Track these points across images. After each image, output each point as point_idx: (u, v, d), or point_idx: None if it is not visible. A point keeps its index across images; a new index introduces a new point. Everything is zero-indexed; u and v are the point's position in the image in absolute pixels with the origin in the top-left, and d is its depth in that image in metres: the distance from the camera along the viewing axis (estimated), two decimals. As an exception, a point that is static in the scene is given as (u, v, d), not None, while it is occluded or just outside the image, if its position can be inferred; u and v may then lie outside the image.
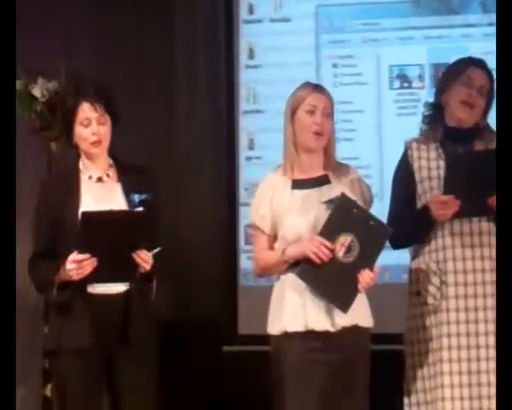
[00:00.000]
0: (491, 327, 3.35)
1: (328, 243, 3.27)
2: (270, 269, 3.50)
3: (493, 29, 4.78)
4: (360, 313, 3.39)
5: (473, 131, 3.47)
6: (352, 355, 3.37)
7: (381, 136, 4.95)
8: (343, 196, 3.30)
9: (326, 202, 3.38)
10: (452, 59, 3.66)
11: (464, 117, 3.46)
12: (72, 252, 3.31)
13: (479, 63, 3.50)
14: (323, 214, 3.34)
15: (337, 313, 3.34)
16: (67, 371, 3.44)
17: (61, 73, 4.58)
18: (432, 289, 3.45)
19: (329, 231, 3.28)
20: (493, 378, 3.31)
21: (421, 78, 4.93)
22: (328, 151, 3.49)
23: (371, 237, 3.29)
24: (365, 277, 3.28)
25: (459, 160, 3.40)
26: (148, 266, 3.37)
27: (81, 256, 3.30)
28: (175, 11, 5.27)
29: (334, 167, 3.49)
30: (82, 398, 3.44)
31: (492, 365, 3.32)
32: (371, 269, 3.29)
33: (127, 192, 3.51)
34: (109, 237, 3.28)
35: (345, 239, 3.30)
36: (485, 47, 4.73)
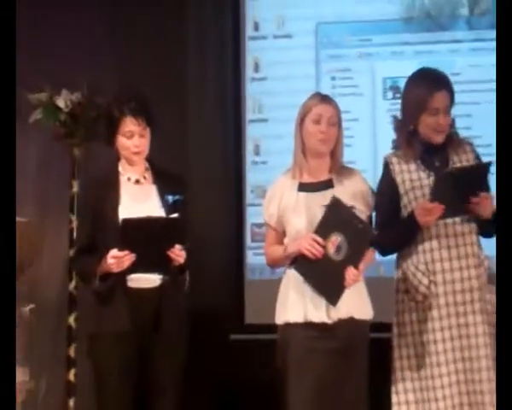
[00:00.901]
0: (479, 318, 3.36)
1: (319, 240, 3.30)
2: (276, 262, 3.55)
3: (478, 44, 4.97)
4: (357, 306, 3.41)
5: (445, 141, 3.47)
6: (350, 344, 3.38)
7: (376, 142, 4.93)
8: (334, 198, 3.33)
9: (326, 206, 3.39)
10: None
11: (436, 139, 3.45)
12: (112, 246, 3.37)
13: (439, 84, 3.44)
14: None
15: (334, 306, 3.37)
16: (105, 352, 3.47)
17: (83, 86, 4.59)
18: (421, 288, 3.42)
19: (322, 230, 3.31)
20: (484, 363, 3.33)
21: (411, 89, 4.92)
22: (334, 156, 3.51)
23: (358, 238, 3.32)
24: (350, 274, 3.31)
25: (446, 176, 3.38)
26: (182, 260, 3.41)
27: (121, 253, 3.35)
28: (188, 30, 5.26)
29: (338, 171, 3.50)
30: (117, 378, 3.46)
31: (483, 351, 3.34)
32: (356, 267, 3.31)
33: (162, 194, 3.55)
34: (146, 239, 3.33)
35: (335, 239, 3.32)
36: (470, 61, 4.84)
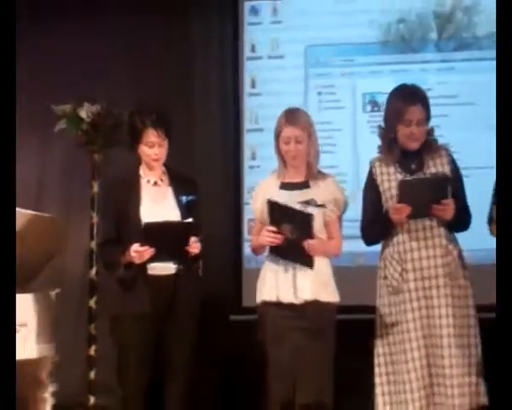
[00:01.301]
0: (443, 301, 3.43)
1: (273, 228, 3.41)
2: (256, 250, 3.65)
3: (445, 64, 4.93)
4: (321, 290, 3.48)
5: (421, 147, 3.53)
6: (317, 324, 3.45)
7: (356, 149, 4.99)
8: (269, 201, 3.44)
9: (301, 203, 3.49)
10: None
11: (412, 146, 3.53)
12: (134, 239, 3.41)
13: (413, 99, 3.50)
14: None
15: (300, 289, 3.45)
16: (127, 331, 3.50)
17: (101, 99, 4.61)
18: (395, 274, 3.51)
19: (275, 223, 3.44)
20: (446, 341, 3.40)
21: (387, 103, 5.01)
22: (309, 164, 3.59)
23: (302, 221, 3.41)
24: (308, 245, 3.39)
25: (407, 183, 3.47)
26: (197, 251, 3.49)
27: (142, 248, 3.40)
28: (194, 52, 5.31)
29: (314, 176, 3.59)
30: (136, 354, 3.49)
31: (445, 331, 3.41)
32: (311, 238, 3.40)
33: (177, 194, 3.60)
34: (165, 238, 3.38)
35: (285, 227, 3.42)
36: (439, 79, 4.86)
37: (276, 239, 3.42)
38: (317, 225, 3.50)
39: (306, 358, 3.43)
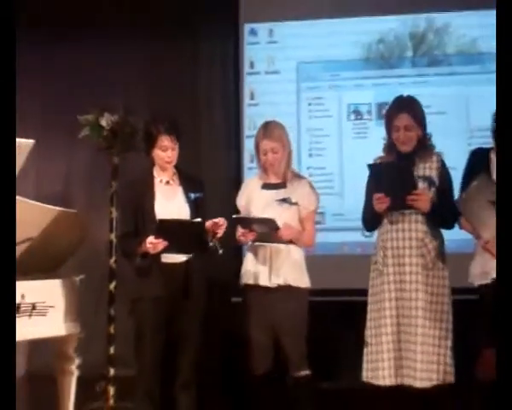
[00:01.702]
0: (414, 286, 3.52)
1: (242, 231, 3.59)
2: (240, 241, 3.76)
3: (420, 78, 5.03)
4: (292, 277, 3.63)
5: (413, 151, 3.59)
6: (290, 306, 3.59)
7: (342, 152, 5.10)
8: (233, 218, 3.62)
9: (278, 200, 3.64)
10: (390, 100, 3.75)
11: (402, 149, 3.62)
12: (149, 232, 3.49)
13: (401, 108, 3.60)
14: (275, 208, 3.63)
15: (274, 275, 3.59)
16: (144, 312, 3.57)
17: (120, 110, 4.66)
18: (379, 258, 3.61)
19: (246, 228, 3.59)
20: (413, 321, 3.49)
21: (369, 113, 5.07)
22: (284, 170, 3.72)
23: (266, 224, 3.55)
24: (278, 234, 3.52)
25: (375, 166, 3.57)
26: (224, 228, 3.54)
27: (156, 240, 3.47)
28: (200, 69, 5.44)
29: (290, 178, 3.73)
30: (152, 332, 3.57)
31: (414, 312, 3.49)
32: (278, 230, 3.56)
33: (186, 193, 3.67)
34: (176, 234, 3.45)
35: (254, 228, 3.57)
36: (414, 92, 4.68)
37: (249, 237, 3.58)
38: (293, 221, 3.64)
39: (281, 336, 3.58)
